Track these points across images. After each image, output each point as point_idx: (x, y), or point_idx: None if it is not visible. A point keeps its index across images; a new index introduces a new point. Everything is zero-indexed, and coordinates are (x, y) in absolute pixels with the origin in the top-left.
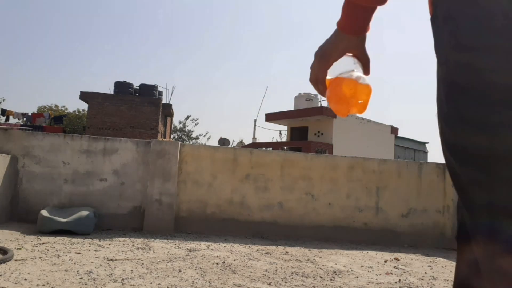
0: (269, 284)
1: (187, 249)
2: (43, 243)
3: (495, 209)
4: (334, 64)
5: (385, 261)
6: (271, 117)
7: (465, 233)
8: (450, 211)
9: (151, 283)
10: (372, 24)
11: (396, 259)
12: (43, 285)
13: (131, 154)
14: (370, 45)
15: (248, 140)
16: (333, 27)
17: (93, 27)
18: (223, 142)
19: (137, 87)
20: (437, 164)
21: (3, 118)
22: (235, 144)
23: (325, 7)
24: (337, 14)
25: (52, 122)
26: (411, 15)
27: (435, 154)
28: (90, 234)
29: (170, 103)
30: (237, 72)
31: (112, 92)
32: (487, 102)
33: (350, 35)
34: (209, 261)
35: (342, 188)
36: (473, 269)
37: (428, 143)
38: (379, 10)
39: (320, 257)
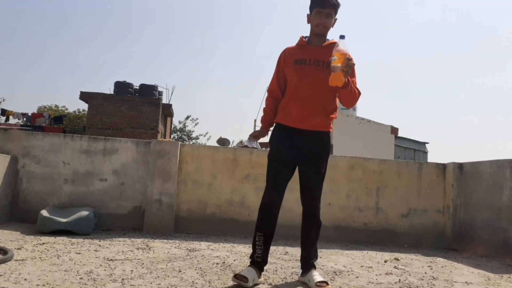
0: (269, 284)
1: (187, 249)
2: (43, 243)
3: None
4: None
5: (385, 261)
6: None
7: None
8: (450, 211)
9: (151, 283)
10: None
11: (396, 259)
12: (43, 285)
13: (131, 154)
14: (373, 49)
15: None
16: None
17: (93, 27)
18: (223, 142)
19: (137, 87)
20: (437, 164)
21: (3, 118)
22: (235, 144)
23: None
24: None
25: (52, 122)
26: (411, 19)
27: (435, 154)
28: (90, 234)
29: (170, 103)
30: (238, 72)
31: (112, 92)
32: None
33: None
34: (209, 261)
35: (342, 188)
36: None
37: (428, 143)
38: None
39: (320, 257)
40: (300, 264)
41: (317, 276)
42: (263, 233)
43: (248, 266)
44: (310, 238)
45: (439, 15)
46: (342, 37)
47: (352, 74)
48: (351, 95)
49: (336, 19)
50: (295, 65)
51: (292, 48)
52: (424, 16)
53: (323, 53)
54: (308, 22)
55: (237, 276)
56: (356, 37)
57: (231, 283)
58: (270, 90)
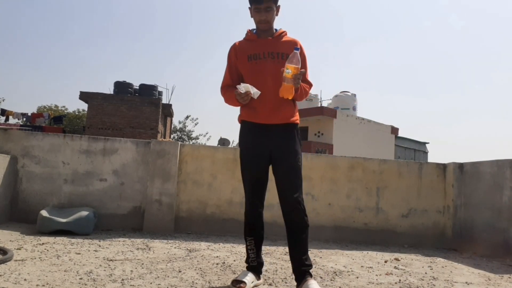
0: (269, 284)
1: (187, 249)
2: (43, 244)
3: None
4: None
5: (385, 262)
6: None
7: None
8: (450, 211)
9: (151, 283)
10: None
11: (396, 259)
12: (43, 285)
13: (131, 154)
14: (375, 49)
15: None
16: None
17: (93, 27)
18: (223, 142)
19: (137, 87)
20: (437, 164)
21: (3, 118)
22: (235, 144)
23: (326, 6)
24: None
25: (51, 122)
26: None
27: (435, 154)
28: (90, 235)
29: (170, 103)
30: None
31: (112, 92)
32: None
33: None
34: (209, 262)
35: (342, 188)
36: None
37: (428, 143)
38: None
39: (320, 257)
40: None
41: (314, 285)
42: (252, 237)
43: (244, 270)
44: (300, 242)
45: (445, 16)
46: (296, 49)
47: (305, 67)
48: (302, 94)
49: (279, 6)
50: (250, 62)
51: (241, 43)
52: (428, 17)
53: (275, 44)
54: (251, 17)
55: (233, 282)
56: (358, 37)
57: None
58: (224, 85)
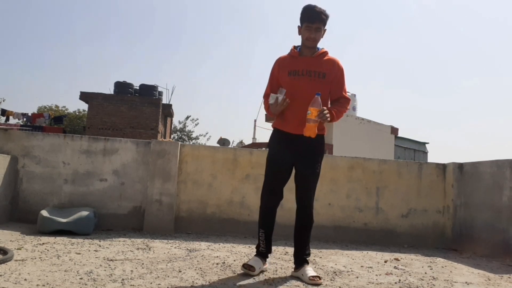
0: (270, 284)
1: (187, 249)
2: (43, 243)
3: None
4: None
5: (385, 262)
6: (271, 117)
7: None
8: (450, 211)
9: (151, 283)
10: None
11: (396, 259)
12: (43, 285)
13: (131, 154)
14: (375, 47)
15: (248, 140)
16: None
17: (92, 27)
18: (223, 142)
19: (137, 87)
20: (437, 164)
21: (3, 118)
22: (235, 144)
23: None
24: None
25: (52, 122)
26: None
27: (435, 154)
28: (90, 234)
29: (170, 103)
30: (238, 72)
31: (112, 92)
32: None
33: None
34: (209, 261)
35: (342, 188)
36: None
37: (428, 143)
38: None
39: (320, 257)
40: (293, 260)
41: (310, 271)
42: (264, 230)
43: (255, 255)
44: (304, 234)
45: (445, 13)
46: (318, 94)
47: (341, 85)
48: (339, 115)
49: (325, 30)
50: (289, 76)
51: (285, 59)
52: (429, 14)
53: (314, 63)
54: (299, 34)
55: (245, 266)
56: (360, 34)
57: (231, 283)
58: (265, 94)
